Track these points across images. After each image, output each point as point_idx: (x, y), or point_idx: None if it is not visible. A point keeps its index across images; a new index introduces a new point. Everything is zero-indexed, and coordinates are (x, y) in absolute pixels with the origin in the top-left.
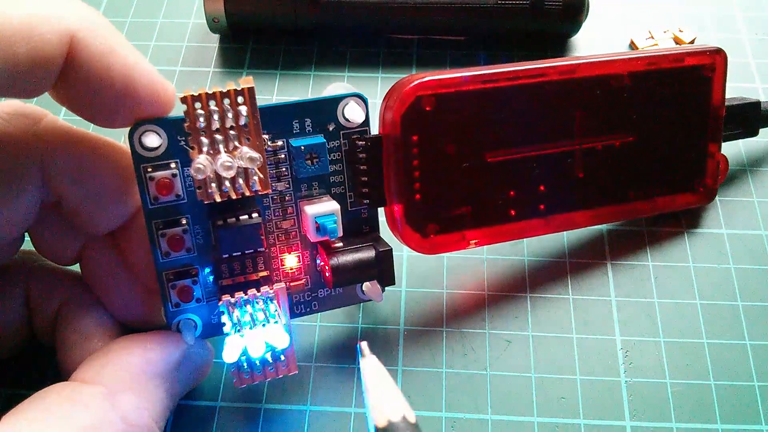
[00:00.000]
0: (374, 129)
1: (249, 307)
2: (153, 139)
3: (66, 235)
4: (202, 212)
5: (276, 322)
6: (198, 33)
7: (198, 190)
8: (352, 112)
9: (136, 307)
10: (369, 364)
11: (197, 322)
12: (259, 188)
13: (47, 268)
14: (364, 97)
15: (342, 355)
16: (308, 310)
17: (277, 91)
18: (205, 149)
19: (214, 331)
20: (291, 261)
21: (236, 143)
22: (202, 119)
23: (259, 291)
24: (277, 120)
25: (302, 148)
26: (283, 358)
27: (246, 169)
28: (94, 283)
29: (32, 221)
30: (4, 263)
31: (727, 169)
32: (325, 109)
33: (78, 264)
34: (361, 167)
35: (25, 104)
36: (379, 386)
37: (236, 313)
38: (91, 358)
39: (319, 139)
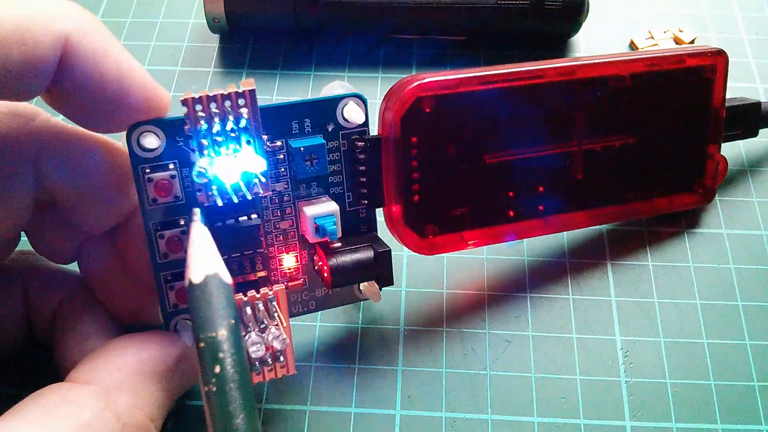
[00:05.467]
0: (374, 129)
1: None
2: (151, 140)
3: (63, 234)
4: (200, 213)
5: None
6: (198, 33)
7: (198, 194)
8: (352, 113)
9: (134, 306)
10: (196, 228)
11: None
12: (260, 191)
13: (46, 268)
14: (364, 98)
15: (342, 355)
16: (305, 309)
17: (277, 91)
18: (205, 151)
19: None
20: (289, 261)
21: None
22: (202, 121)
23: (258, 292)
24: (276, 120)
25: (302, 149)
26: (282, 358)
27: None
28: (91, 282)
29: (26, 221)
30: (1, 262)
31: (726, 171)
32: (324, 110)
33: (76, 263)
34: (360, 168)
35: (19, 103)
36: (193, 251)
37: None
38: (87, 359)
39: (319, 140)
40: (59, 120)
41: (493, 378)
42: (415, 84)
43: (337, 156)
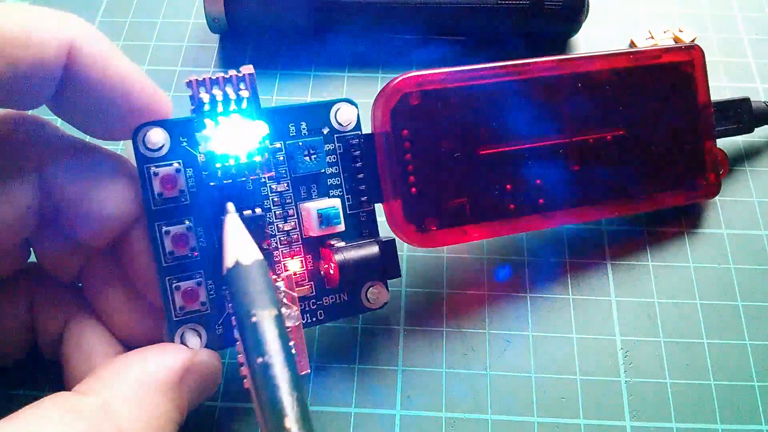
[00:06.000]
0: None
1: None
2: (157, 133)
3: (67, 250)
4: (205, 214)
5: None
6: (198, 33)
7: (204, 173)
8: (345, 116)
9: (138, 326)
10: (231, 219)
11: (202, 332)
12: (265, 156)
13: (53, 284)
14: (354, 102)
15: (342, 355)
16: (314, 320)
17: (277, 91)
18: (210, 129)
19: (219, 342)
20: (294, 265)
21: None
22: (206, 102)
23: None
24: (273, 123)
25: (300, 143)
26: (294, 351)
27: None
28: (95, 301)
29: (30, 229)
30: (8, 274)
31: (728, 161)
32: (318, 113)
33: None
34: (357, 165)
35: (27, 112)
36: (235, 237)
37: None
38: (92, 372)
39: (317, 137)
40: (65, 131)
41: (493, 378)
42: (400, 79)
43: (334, 158)
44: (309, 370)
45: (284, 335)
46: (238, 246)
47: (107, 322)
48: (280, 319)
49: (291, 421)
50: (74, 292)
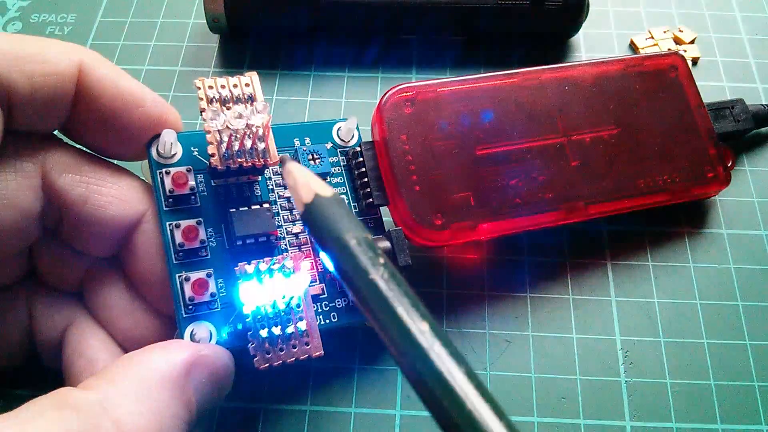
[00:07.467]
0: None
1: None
2: (170, 141)
3: (68, 259)
4: (216, 214)
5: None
6: (198, 33)
7: (212, 158)
8: (345, 131)
9: (141, 332)
10: (294, 165)
11: (212, 329)
12: (269, 158)
13: (52, 291)
14: (352, 120)
15: (342, 355)
16: (327, 321)
17: (277, 91)
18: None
19: (230, 341)
20: (304, 266)
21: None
22: (214, 99)
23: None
24: (279, 138)
25: (304, 148)
26: (305, 329)
27: (254, 138)
28: (97, 308)
29: (32, 238)
30: (9, 282)
31: (730, 150)
32: (320, 131)
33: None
34: (362, 170)
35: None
36: (307, 176)
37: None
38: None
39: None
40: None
41: (493, 378)
42: (393, 90)
43: (339, 170)
44: (322, 352)
45: (381, 254)
46: (313, 182)
47: (110, 329)
48: (373, 243)
49: (409, 320)
50: (74, 298)
